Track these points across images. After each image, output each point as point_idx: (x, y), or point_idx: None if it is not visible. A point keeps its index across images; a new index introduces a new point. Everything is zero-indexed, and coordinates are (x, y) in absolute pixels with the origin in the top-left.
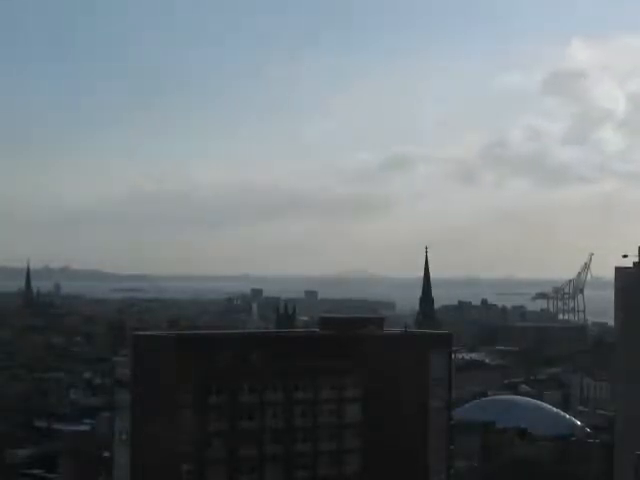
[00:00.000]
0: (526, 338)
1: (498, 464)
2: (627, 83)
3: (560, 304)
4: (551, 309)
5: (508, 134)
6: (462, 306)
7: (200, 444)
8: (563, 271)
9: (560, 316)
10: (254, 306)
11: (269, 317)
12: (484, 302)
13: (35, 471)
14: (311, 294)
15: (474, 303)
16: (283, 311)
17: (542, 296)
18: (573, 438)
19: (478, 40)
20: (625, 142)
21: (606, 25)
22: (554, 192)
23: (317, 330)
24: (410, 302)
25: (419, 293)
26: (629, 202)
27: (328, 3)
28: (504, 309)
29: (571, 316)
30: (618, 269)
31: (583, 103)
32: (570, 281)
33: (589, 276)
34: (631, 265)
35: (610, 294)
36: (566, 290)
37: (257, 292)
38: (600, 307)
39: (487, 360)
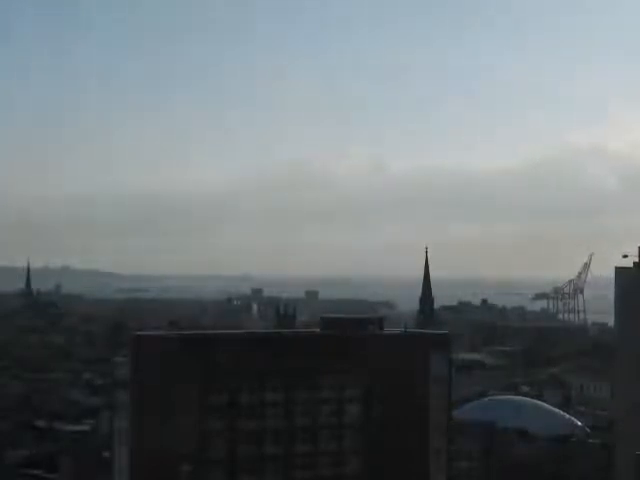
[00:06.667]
0: (526, 338)
1: (498, 464)
2: None
3: (560, 304)
4: (551, 309)
5: None
6: (462, 306)
7: (200, 444)
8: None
9: (560, 316)
10: (254, 306)
11: (269, 317)
12: (484, 302)
13: (35, 471)
14: (311, 294)
15: (474, 303)
16: (283, 311)
17: (542, 296)
18: (573, 438)
19: None
20: None
21: None
22: None
23: (317, 330)
24: (410, 302)
25: (419, 293)
26: None
27: None
28: (504, 309)
29: (571, 316)
30: (618, 269)
31: None
32: (570, 281)
33: (589, 276)
34: (631, 265)
35: (610, 294)
36: (566, 290)
37: (257, 292)
38: (600, 307)
39: (487, 360)
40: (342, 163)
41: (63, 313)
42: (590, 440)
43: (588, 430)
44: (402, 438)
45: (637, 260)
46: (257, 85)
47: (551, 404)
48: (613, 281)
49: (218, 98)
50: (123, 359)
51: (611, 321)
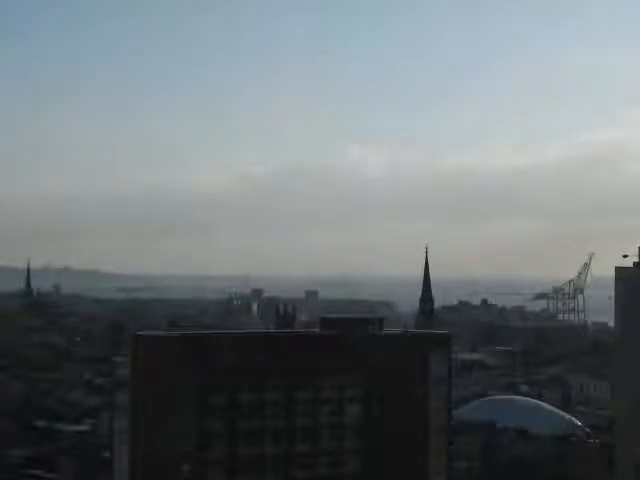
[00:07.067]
0: (526, 338)
1: (498, 464)
2: None
3: (560, 304)
4: (551, 309)
5: None
6: (462, 306)
7: (200, 444)
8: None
9: (560, 316)
10: (254, 306)
11: (269, 317)
12: (484, 302)
13: (35, 471)
14: (311, 294)
15: (474, 303)
16: (283, 311)
17: (542, 296)
18: (573, 438)
19: None
20: None
21: None
22: None
23: (317, 330)
24: (410, 302)
25: (419, 293)
26: None
27: None
28: (504, 309)
29: (571, 316)
30: (618, 269)
31: None
32: (570, 281)
33: (589, 276)
34: (631, 265)
35: (610, 294)
36: (566, 290)
37: (257, 292)
38: (600, 307)
39: (487, 360)
40: (342, 163)
41: (63, 313)
42: (590, 440)
43: (588, 430)
44: (402, 438)
45: (637, 260)
46: (257, 84)
47: (551, 404)
48: (613, 281)
49: (218, 98)
50: (123, 359)
51: (611, 321)
